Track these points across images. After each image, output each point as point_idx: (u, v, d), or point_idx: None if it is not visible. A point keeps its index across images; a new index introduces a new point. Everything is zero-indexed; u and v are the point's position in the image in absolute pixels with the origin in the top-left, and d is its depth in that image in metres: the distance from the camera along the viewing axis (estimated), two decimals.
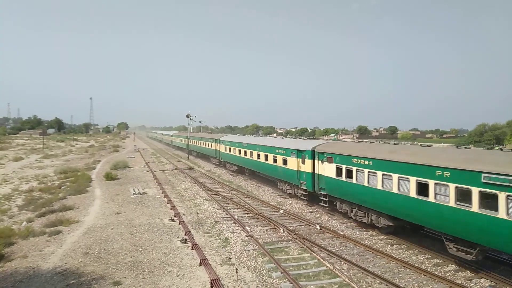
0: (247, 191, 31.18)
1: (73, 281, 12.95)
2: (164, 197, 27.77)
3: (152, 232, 18.86)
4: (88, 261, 14.83)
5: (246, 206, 24.53)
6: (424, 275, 13.57)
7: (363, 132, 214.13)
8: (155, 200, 27.13)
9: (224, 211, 23.33)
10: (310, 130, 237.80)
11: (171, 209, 23.88)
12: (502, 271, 13.95)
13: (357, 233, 19.07)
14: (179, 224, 20.18)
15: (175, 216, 21.80)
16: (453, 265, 14.58)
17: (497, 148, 16.89)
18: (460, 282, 12.94)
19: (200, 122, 77.65)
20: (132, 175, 41.23)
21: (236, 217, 21.56)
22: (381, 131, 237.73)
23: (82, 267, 14.23)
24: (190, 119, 64.52)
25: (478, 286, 12.82)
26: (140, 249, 16.23)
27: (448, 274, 13.77)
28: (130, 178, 38.79)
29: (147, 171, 44.30)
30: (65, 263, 14.61)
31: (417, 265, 14.49)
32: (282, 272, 13.51)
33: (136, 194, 28.83)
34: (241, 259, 15.16)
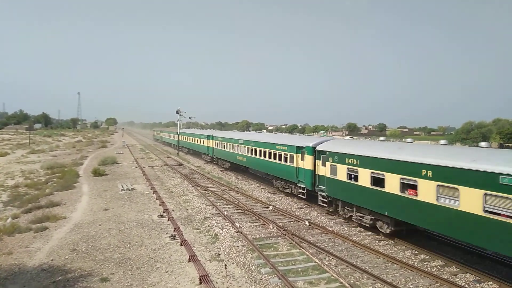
0: (237, 187, 31.16)
1: (59, 277, 12.79)
2: (153, 193, 27.58)
3: (141, 228, 18.72)
4: (75, 258, 14.65)
5: (235, 203, 24.52)
6: (411, 270, 13.76)
7: (352, 129, 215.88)
8: (144, 196, 26.93)
9: (213, 207, 23.28)
10: (300, 127, 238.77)
11: (160, 205, 23.73)
12: (486, 266, 14.23)
13: (346, 229, 19.23)
14: (168, 220, 20.08)
15: (164, 212, 21.68)
16: (439, 261, 14.81)
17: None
18: (445, 277, 13.16)
19: (190, 118, 77.23)
20: (121, 171, 40.84)
21: (225, 213, 21.54)
22: (370, 128, 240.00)
23: (69, 263, 14.06)
24: (180, 115, 64.07)
25: (463, 281, 13.05)
26: (128, 246, 16.10)
27: (434, 270, 14.00)
28: (119, 174, 38.41)
29: (136, 167, 43.92)
30: (52, 260, 14.41)
31: (404, 261, 14.69)
32: (271, 268, 13.55)
33: (124, 190, 28.57)
34: (230, 255, 15.16)
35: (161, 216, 20.88)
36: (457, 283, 12.71)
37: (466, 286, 12.59)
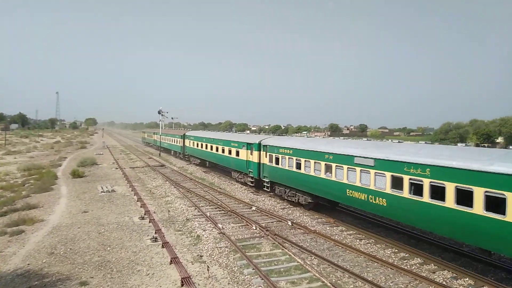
0: (220, 188, 31.04)
1: (36, 282, 12.43)
2: (134, 195, 27.16)
3: (121, 230, 18.40)
4: (53, 262, 14.27)
5: (218, 203, 24.41)
6: (391, 268, 14.01)
7: (334, 130, 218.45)
8: (125, 198, 26.48)
9: (196, 209, 23.11)
10: (283, 127, 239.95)
11: (141, 207, 23.39)
12: (463, 263, 14.62)
13: (327, 228, 19.42)
14: (150, 222, 19.80)
15: (145, 214, 21.38)
16: (418, 259, 15.12)
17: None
18: (424, 275, 13.45)
19: (172, 118, 76.53)
20: (100, 172, 40.05)
21: (208, 214, 21.41)
22: (351, 128, 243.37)
23: (46, 267, 13.68)
24: (162, 115, 63.38)
25: (441, 278, 13.37)
26: (108, 248, 15.79)
27: (413, 267, 14.28)
28: (98, 175, 37.66)
29: (116, 168, 43.17)
30: (28, 264, 13.99)
31: (384, 259, 14.93)
32: (253, 269, 13.55)
33: (104, 192, 28.03)
34: (213, 256, 15.07)
35: (142, 218, 20.57)
36: (435, 280, 13.01)
37: (444, 283, 12.90)
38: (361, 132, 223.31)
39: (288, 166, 23.68)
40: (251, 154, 29.00)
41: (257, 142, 28.32)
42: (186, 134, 51.41)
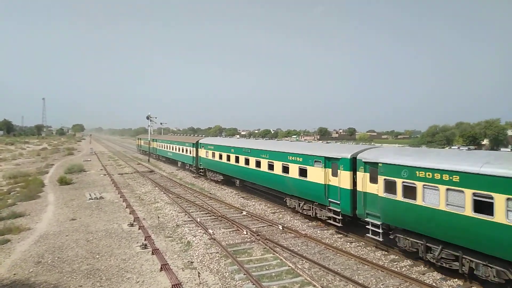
0: (210, 193, 30.90)
1: None
2: (123, 202, 26.84)
3: (110, 238, 18.15)
4: (40, 271, 13.98)
5: (209, 209, 24.28)
6: (381, 271, 14.10)
7: (323, 134, 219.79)
8: (113, 204, 26.15)
9: (186, 214, 22.94)
10: (273, 132, 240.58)
11: (130, 213, 23.12)
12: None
13: (318, 232, 19.48)
14: (139, 229, 19.58)
15: (134, 221, 21.14)
16: (408, 261, 15.26)
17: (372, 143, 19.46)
18: (414, 277, 13.58)
19: (161, 123, 76.10)
20: (88, 179, 39.50)
21: (198, 220, 21.27)
22: (340, 132, 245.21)
23: (33, 277, 13.39)
24: (151, 120, 62.94)
25: (431, 279, 13.51)
26: (97, 256, 15.55)
27: (403, 269, 14.40)
28: (86, 182, 37.13)
29: (105, 175, 42.63)
30: (14, 274, 13.67)
31: (374, 262, 15.04)
32: (245, 274, 13.49)
33: (92, 199, 27.63)
34: (204, 262, 14.96)
35: (132, 225, 20.33)
36: (425, 281, 13.13)
37: (434, 284, 13.03)
38: (349, 135, 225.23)
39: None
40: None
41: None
42: (201, 141, 40.00)
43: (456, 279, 13.34)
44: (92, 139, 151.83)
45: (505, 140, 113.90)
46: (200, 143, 39.65)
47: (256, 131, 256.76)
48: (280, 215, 23.22)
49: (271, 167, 24.44)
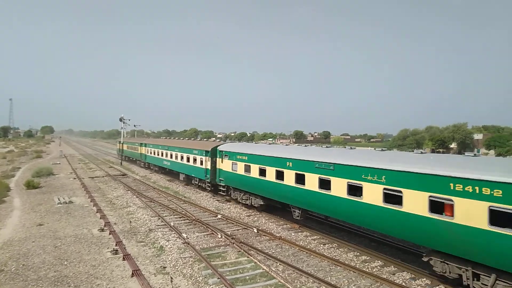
0: (185, 196, 30.51)
1: None
2: (93, 206, 26.06)
3: (79, 243, 17.55)
4: (3, 280, 13.32)
5: (183, 213, 23.95)
6: (353, 271, 14.35)
7: (299, 137, 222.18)
8: (83, 209, 25.34)
9: (159, 219, 22.53)
10: (249, 135, 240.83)
11: (100, 218, 22.47)
12: (421, 264, 15.21)
13: (292, 234, 19.61)
14: (110, 234, 19.06)
15: (105, 225, 20.55)
16: (379, 261, 15.60)
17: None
18: (385, 277, 13.90)
19: (134, 126, 74.64)
20: (57, 183, 38.11)
21: (172, 224, 20.94)
22: (315, 135, 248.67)
23: None
24: (124, 122, 61.54)
25: (401, 279, 13.86)
26: (65, 263, 15.00)
27: (374, 270, 14.71)
28: (55, 186, 35.81)
29: (74, 179, 41.28)
30: None
31: (347, 263, 15.29)
32: (218, 278, 13.37)
33: (61, 204, 26.67)
34: (177, 267, 14.72)
35: (102, 230, 19.76)
36: (395, 281, 13.47)
37: (403, 283, 13.38)
38: (324, 138, 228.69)
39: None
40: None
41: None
42: (221, 148, 28.49)
43: (425, 278, 13.76)
44: (62, 141, 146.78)
45: (471, 144, 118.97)
46: (220, 151, 28.30)
47: (232, 134, 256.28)
48: (255, 218, 23.22)
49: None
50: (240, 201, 25.94)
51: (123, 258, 15.42)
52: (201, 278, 13.57)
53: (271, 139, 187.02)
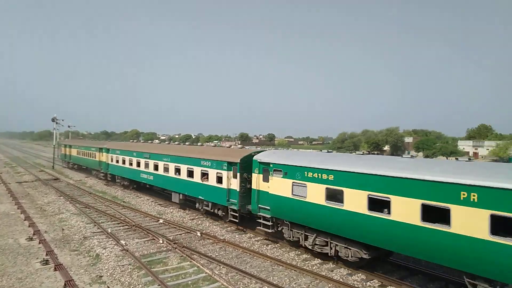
0: (124, 201, 29.16)
1: None
2: (21, 213, 23.89)
3: (3, 255, 15.97)
4: None
5: (121, 218, 22.87)
6: (294, 270, 14.74)
7: (244, 139, 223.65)
8: (9, 217, 23.13)
9: (95, 225, 21.27)
10: (194, 137, 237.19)
11: (29, 226, 20.67)
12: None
13: (236, 236, 19.64)
14: (40, 243, 17.60)
15: (34, 234, 18.94)
16: (319, 259, 16.15)
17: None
18: (324, 274, 14.45)
19: (69, 126, 69.93)
20: None
21: (109, 230, 19.88)
22: (260, 138, 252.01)
23: None
24: (57, 123, 57.28)
25: (338, 275, 14.50)
26: None
27: (314, 268, 15.23)
28: None
29: None
30: None
31: (288, 262, 15.66)
32: (159, 284, 12.96)
33: None
34: (114, 275, 14.00)
35: (31, 239, 18.19)
36: (333, 278, 14.06)
37: (341, 279, 14.01)
38: (269, 141, 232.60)
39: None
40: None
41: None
42: (262, 158, 18.39)
43: (360, 274, 14.53)
44: None
45: (402, 146, 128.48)
46: (263, 163, 18.24)
47: (177, 136, 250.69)
48: (199, 221, 22.90)
49: None
50: (309, 247, 16.17)
51: (55, 268, 14.33)
52: (140, 286, 13.04)
53: (216, 141, 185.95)
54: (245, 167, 19.78)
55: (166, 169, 27.21)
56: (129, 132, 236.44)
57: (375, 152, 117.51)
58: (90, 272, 14.32)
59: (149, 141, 51.79)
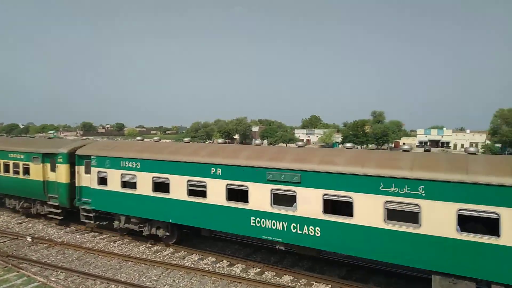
0: None
1: None
2: None
3: None
4: None
5: None
6: (144, 263, 14.31)
7: (88, 129, 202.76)
8: None
9: None
10: (22, 126, 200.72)
11: None
12: (208, 245, 16.63)
13: (78, 237, 17.78)
14: None
15: None
16: (170, 249, 16.07)
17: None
18: (175, 262, 14.50)
19: None
20: None
21: None
22: (107, 128, 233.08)
23: None
24: None
25: (190, 262, 14.75)
26: None
27: (166, 258, 15.10)
28: None
29: None
30: None
31: (138, 256, 15.10)
32: None
33: None
34: None
35: None
36: (184, 265, 14.24)
37: (192, 265, 14.31)
38: (118, 131, 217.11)
39: None
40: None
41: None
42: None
43: (211, 257, 15.11)
44: None
45: (250, 135, 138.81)
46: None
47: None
48: (30, 225, 19.78)
49: None
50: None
51: None
52: None
53: (52, 132, 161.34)
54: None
55: None
56: None
57: (227, 141, 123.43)
58: None
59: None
